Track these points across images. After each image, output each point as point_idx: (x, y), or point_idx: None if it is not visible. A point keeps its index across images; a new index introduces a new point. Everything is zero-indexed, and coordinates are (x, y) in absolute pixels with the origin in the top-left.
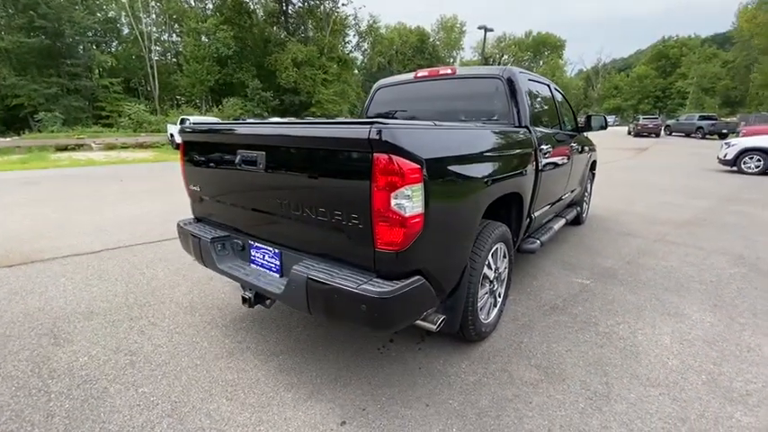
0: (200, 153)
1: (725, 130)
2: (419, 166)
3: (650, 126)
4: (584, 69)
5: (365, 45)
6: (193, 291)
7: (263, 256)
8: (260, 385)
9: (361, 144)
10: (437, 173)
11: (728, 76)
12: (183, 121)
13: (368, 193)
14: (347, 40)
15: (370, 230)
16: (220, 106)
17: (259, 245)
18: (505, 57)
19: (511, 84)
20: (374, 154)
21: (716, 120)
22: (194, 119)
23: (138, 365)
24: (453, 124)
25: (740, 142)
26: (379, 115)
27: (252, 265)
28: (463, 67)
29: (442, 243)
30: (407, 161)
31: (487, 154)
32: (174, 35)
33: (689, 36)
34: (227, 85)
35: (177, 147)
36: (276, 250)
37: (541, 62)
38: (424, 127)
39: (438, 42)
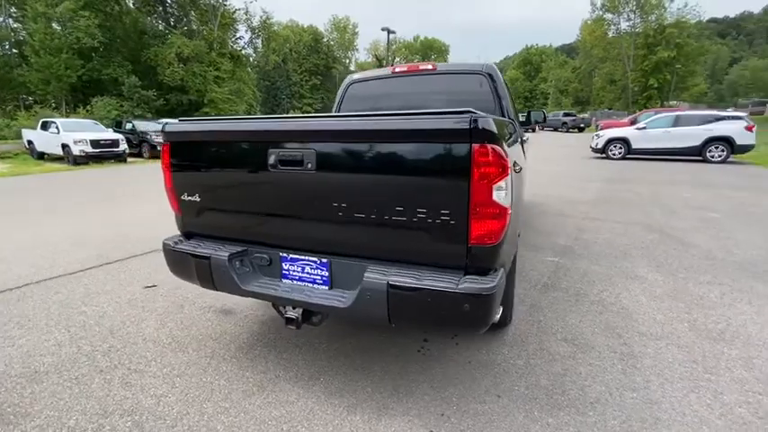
0: (202, 156)
1: (582, 125)
2: (507, 156)
3: None
4: None
5: (259, 42)
6: (166, 323)
7: (303, 268)
8: (318, 414)
9: (460, 135)
10: (513, 162)
11: (577, 79)
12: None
13: (465, 185)
14: (238, 35)
15: (465, 225)
16: (88, 107)
17: (296, 256)
18: (397, 59)
19: (492, 79)
20: (473, 144)
21: (575, 116)
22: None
23: (147, 426)
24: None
25: (606, 134)
26: (355, 111)
27: (284, 280)
28: (443, 64)
29: (512, 233)
30: (502, 151)
31: (521, 144)
32: (12, 20)
33: (545, 45)
34: (94, 82)
35: (75, 159)
36: (323, 260)
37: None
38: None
39: (332, 42)
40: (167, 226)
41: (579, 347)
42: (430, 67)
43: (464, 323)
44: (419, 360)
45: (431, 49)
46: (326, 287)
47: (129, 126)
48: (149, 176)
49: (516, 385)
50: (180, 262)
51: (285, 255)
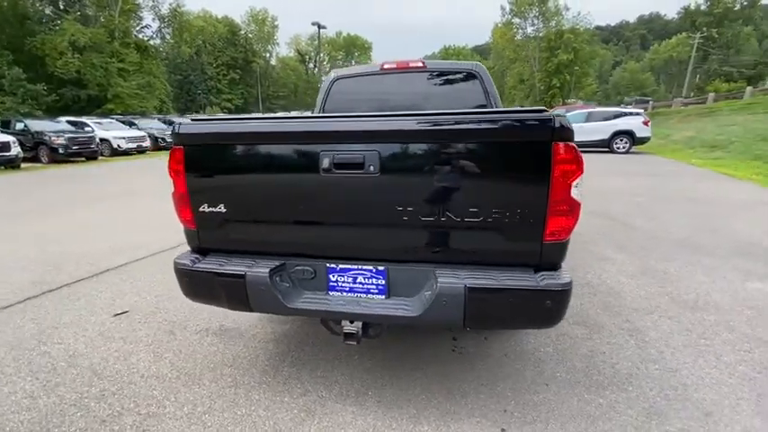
0: (232, 161)
1: None
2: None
3: None
4: None
5: (169, 32)
6: (163, 355)
7: (355, 278)
8: (383, 431)
9: (541, 133)
10: None
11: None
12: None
13: (546, 183)
14: (144, 23)
15: (542, 223)
16: None
17: (347, 266)
18: (321, 54)
19: (482, 78)
20: (554, 142)
21: None
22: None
23: None
24: None
25: None
26: (340, 109)
27: (332, 293)
28: (432, 62)
29: None
30: (576, 148)
31: None
32: None
33: (462, 46)
34: None
35: None
36: (380, 268)
37: (353, 62)
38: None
39: (251, 35)
40: (102, 240)
41: (592, 328)
42: (420, 64)
43: (542, 319)
44: (457, 359)
45: (354, 45)
46: (383, 296)
47: (20, 126)
48: (56, 185)
49: (557, 372)
50: (202, 283)
51: (333, 265)
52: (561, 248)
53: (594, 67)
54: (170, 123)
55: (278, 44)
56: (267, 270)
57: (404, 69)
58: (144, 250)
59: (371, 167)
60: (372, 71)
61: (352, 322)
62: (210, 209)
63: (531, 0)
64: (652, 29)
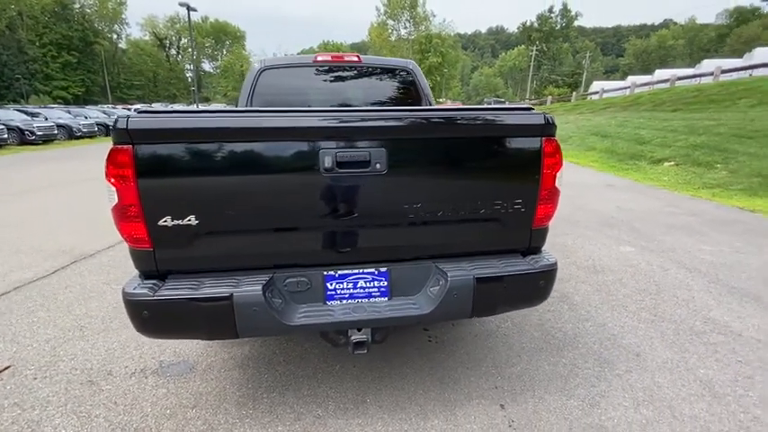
0: (206, 163)
1: None
2: None
3: None
4: None
5: None
6: (93, 414)
7: (356, 283)
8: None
9: (534, 130)
10: None
11: None
12: None
13: (537, 174)
14: None
15: (533, 211)
16: None
17: (346, 272)
18: (184, 40)
19: (415, 74)
20: (544, 138)
21: None
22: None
23: None
24: None
25: None
26: (270, 102)
27: (331, 302)
28: (368, 57)
29: None
30: (558, 142)
31: None
32: None
33: (341, 42)
34: None
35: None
36: (382, 269)
37: (225, 51)
38: None
39: (89, 11)
40: None
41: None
42: (355, 58)
43: (537, 298)
44: (437, 348)
45: (224, 33)
46: (386, 298)
47: None
48: None
49: (523, 343)
50: (170, 314)
51: (331, 273)
52: (545, 233)
53: (458, 70)
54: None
55: (128, 24)
56: (259, 287)
57: (338, 62)
58: (26, 273)
59: (378, 165)
60: (304, 62)
61: (359, 330)
62: (176, 222)
63: (403, 4)
64: (499, 39)
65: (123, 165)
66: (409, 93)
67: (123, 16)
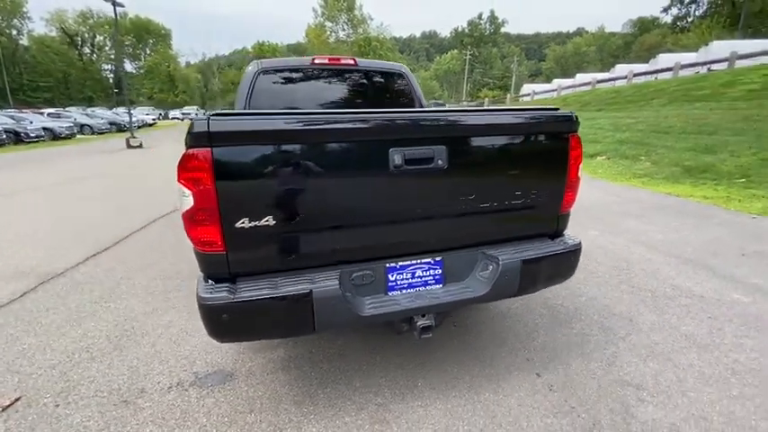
0: (286, 163)
1: None
2: None
3: None
4: (196, 62)
5: None
6: None
7: (414, 273)
8: (459, 411)
9: (565, 126)
10: None
11: None
12: None
13: (566, 166)
14: None
15: (561, 198)
16: None
17: (405, 263)
18: (99, 38)
19: (408, 78)
20: (571, 134)
21: None
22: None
23: None
24: None
25: None
26: (269, 104)
27: (392, 293)
28: (363, 60)
29: None
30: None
31: None
32: None
33: (277, 43)
34: None
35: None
36: (437, 258)
37: (148, 50)
38: None
39: None
40: None
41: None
42: (351, 61)
43: (567, 274)
44: (463, 333)
45: (147, 31)
46: (440, 285)
47: None
48: None
49: (536, 320)
50: (250, 315)
51: (393, 264)
52: (568, 218)
53: None
54: None
55: (30, 19)
56: (336, 282)
57: (335, 65)
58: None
59: (440, 161)
60: (301, 65)
61: (424, 316)
62: (253, 223)
63: (340, 6)
64: (433, 44)
65: (201, 168)
66: (404, 95)
67: (24, 9)
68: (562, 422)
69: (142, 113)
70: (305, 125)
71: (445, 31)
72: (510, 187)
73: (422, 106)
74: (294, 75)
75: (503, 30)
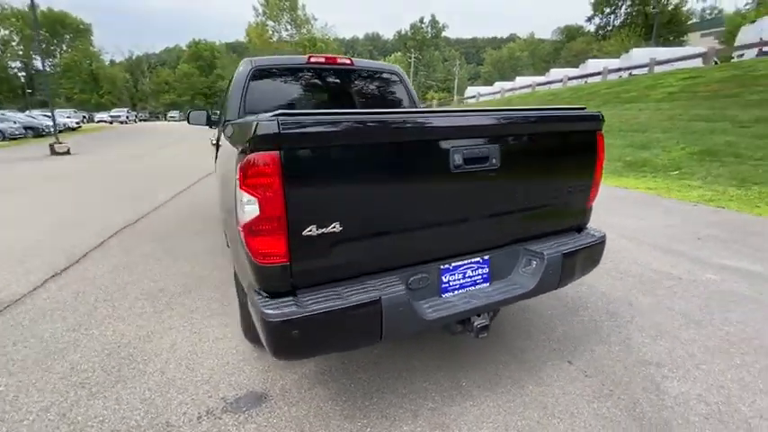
0: (353, 164)
1: None
2: None
3: None
4: (122, 60)
5: None
6: None
7: (464, 273)
8: (507, 399)
9: (595, 125)
10: None
11: None
12: None
13: (595, 162)
14: None
15: (589, 193)
16: None
17: (458, 264)
18: (4, 32)
19: (403, 79)
20: (598, 132)
21: None
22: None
23: None
24: None
25: None
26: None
27: (445, 295)
28: (359, 60)
29: None
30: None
31: None
32: None
33: (214, 41)
34: None
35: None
36: (485, 257)
37: (65, 46)
38: None
39: None
40: None
41: None
42: (348, 61)
43: (596, 263)
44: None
45: (62, 25)
46: (487, 284)
47: None
48: None
49: (556, 310)
50: (321, 329)
51: (447, 266)
52: (591, 211)
53: None
54: None
55: None
56: (403, 287)
57: (332, 64)
58: None
59: (494, 160)
60: (297, 64)
61: (479, 315)
62: (321, 230)
63: (282, 5)
64: (376, 46)
65: (269, 173)
66: (399, 95)
67: None
68: (607, 405)
69: (62, 116)
70: (375, 125)
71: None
72: (551, 183)
73: (416, 106)
74: (289, 74)
75: (443, 34)
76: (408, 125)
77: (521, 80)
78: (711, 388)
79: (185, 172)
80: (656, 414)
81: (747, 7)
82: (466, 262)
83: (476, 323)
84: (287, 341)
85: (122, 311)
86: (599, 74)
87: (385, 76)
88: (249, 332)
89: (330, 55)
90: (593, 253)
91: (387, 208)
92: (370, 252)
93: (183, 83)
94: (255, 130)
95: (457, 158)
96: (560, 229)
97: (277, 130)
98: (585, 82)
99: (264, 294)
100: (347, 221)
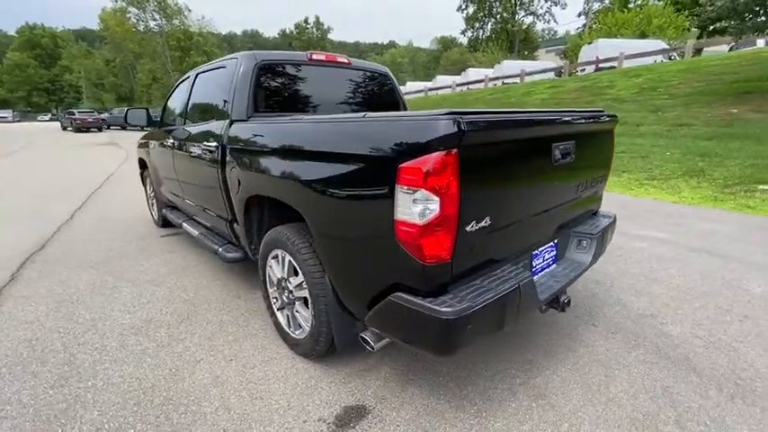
0: (503, 160)
1: None
2: None
3: (91, 120)
4: None
5: None
6: None
7: (544, 257)
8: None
9: (613, 123)
10: None
11: (113, 73)
12: None
13: (611, 155)
14: None
15: (605, 180)
16: None
17: (542, 248)
18: None
19: (391, 79)
20: (613, 130)
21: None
22: None
23: None
24: None
25: None
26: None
27: (534, 276)
28: (355, 60)
29: None
30: None
31: None
32: None
33: (57, 27)
34: None
35: None
36: (555, 241)
37: None
38: None
39: None
40: None
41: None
42: (345, 60)
43: (611, 240)
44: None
45: None
46: (555, 264)
47: None
48: None
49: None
50: (483, 319)
51: (536, 251)
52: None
53: None
54: None
55: None
56: (529, 273)
57: (332, 63)
58: None
59: (572, 155)
60: (299, 60)
61: (564, 293)
62: (479, 225)
63: None
64: (257, 43)
65: (451, 173)
66: (389, 96)
67: None
68: (638, 352)
69: None
70: (531, 123)
71: (268, 32)
72: (594, 173)
73: (405, 108)
74: (294, 70)
75: (329, 36)
76: (547, 124)
77: (411, 85)
78: (695, 326)
79: (72, 181)
80: (674, 351)
81: (578, 30)
82: (546, 246)
83: (562, 299)
84: (459, 336)
85: (115, 353)
86: (482, 81)
87: (377, 76)
88: (315, 350)
89: (330, 53)
90: (612, 230)
91: (519, 200)
92: (500, 243)
93: (16, 76)
94: (434, 129)
95: (557, 153)
96: (589, 212)
97: (457, 130)
98: (468, 88)
99: (422, 294)
100: (495, 215)
